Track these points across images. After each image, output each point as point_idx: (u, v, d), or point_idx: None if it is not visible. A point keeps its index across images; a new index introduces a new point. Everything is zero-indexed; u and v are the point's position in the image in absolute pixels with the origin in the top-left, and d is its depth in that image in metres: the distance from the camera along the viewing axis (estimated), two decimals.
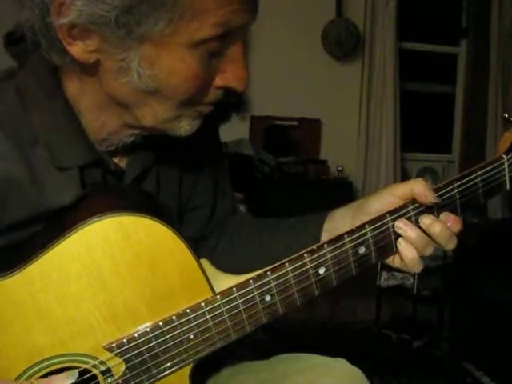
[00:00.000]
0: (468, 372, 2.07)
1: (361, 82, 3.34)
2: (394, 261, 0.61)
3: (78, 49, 0.51)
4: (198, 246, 0.75)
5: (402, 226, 0.58)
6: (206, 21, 0.49)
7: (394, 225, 0.58)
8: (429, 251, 0.59)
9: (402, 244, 0.59)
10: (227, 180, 0.80)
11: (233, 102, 3.16)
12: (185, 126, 0.58)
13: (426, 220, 0.58)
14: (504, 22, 3.45)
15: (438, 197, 0.58)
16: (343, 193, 3.14)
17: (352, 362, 0.66)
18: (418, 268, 0.59)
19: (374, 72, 3.33)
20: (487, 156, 3.48)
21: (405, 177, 3.55)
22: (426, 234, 0.58)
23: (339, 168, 3.17)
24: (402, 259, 0.60)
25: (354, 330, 2.50)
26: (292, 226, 0.72)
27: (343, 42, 3.25)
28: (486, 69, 3.46)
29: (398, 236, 0.59)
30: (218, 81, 0.55)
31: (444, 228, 0.58)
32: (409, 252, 0.58)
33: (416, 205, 0.59)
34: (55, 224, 0.56)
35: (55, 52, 0.53)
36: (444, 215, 0.59)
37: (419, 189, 0.57)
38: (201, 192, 0.74)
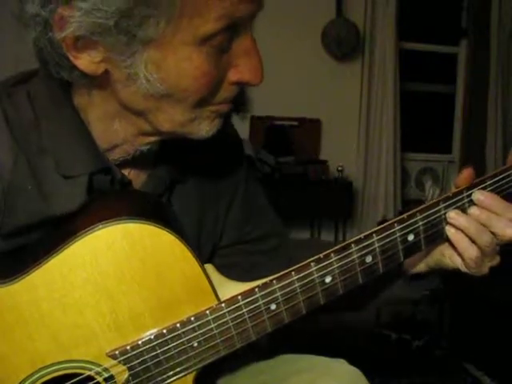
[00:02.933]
0: (468, 372, 2.07)
1: (361, 82, 3.34)
2: (455, 262, 0.61)
3: (84, 61, 0.50)
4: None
5: (454, 215, 0.57)
6: (209, 15, 0.47)
7: (402, 234, 0.57)
8: (485, 240, 0.57)
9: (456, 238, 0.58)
10: (266, 213, 0.76)
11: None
12: (205, 128, 0.56)
13: (474, 210, 0.57)
14: (504, 22, 3.45)
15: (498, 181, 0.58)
16: (343, 193, 3.14)
17: (352, 362, 0.66)
18: (482, 268, 0.59)
19: (374, 72, 3.33)
20: (487, 156, 3.48)
21: (405, 177, 3.55)
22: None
23: (339, 168, 3.16)
24: (463, 259, 0.59)
25: (354, 329, 2.50)
26: None
27: (343, 42, 3.24)
28: (486, 69, 3.46)
29: (409, 245, 0.58)
30: (231, 76, 0.53)
31: (493, 215, 0.57)
32: (469, 250, 0.58)
33: (424, 214, 0.58)
34: (60, 228, 0.55)
35: (63, 69, 0.52)
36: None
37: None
38: (230, 233, 0.72)
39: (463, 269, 0.61)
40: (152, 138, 0.58)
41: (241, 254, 0.74)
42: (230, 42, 0.51)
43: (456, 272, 0.62)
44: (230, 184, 0.72)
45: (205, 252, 0.69)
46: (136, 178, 0.63)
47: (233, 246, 0.73)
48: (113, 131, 0.58)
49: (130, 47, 0.48)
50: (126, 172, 0.62)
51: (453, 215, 0.58)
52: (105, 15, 0.46)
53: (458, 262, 0.61)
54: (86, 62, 0.50)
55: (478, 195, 0.57)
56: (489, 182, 0.58)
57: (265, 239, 0.75)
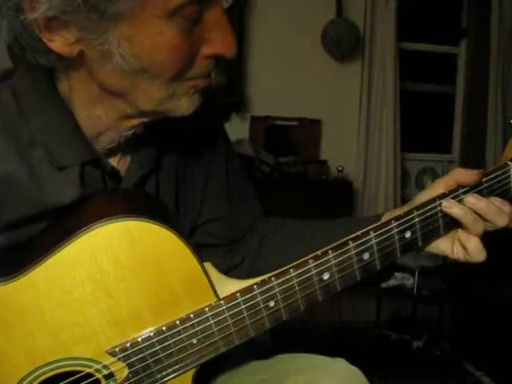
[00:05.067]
0: (468, 372, 2.07)
1: (361, 82, 3.34)
2: (457, 254, 0.61)
3: (58, 44, 0.50)
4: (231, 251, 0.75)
5: (448, 204, 0.58)
6: None
7: (399, 231, 0.58)
8: (480, 228, 0.59)
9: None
10: (245, 184, 0.78)
11: (233, 102, 3.15)
12: (184, 104, 0.56)
13: (471, 199, 0.58)
14: (504, 22, 3.45)
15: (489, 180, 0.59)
16: (343, 193, 3.14)
17: (352, 362, 0.66)
18: (481, 255, 0.59)
19: (374, 72, 3.33)
20: (487, 156, 3.48)
21: (405, 177, 3.55)
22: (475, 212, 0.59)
23: (339, 168, 3.16)
24: (463, 247, 0.60)
25: (354, 329, 2.50)
26: (345, 224, 0.71)
27: (343, 42, 3.24)
28: (486, 69, 3.46)
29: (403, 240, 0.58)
30: (205, 50, 0.54)
31: (490, 203, 0.58)
32: (467, 239, 0.59)
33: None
34: (59, 226, 0.56)
35: (39, 53, 0.53)
36: (491, 197, 0.60)
37: (461, 173, 0.59)
38: (211, 205, 0.73)
39: (454, 256, 0.62)
40: (134, 121, 0.59)
41: (217, 240, 0.75)
42: (201, 15, 0.52)
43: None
44: (209, 161, 0.73)
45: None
46: (122, 164, 0.63)
47: (213, 222, 0.74)
48: (96, 118, 0.58)
49: (101, 24, 0.48)
50: (114, 160, 0.63)
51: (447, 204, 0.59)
52: None
53: (446, 249, 0.62)
54: (60, 44, 0.50)
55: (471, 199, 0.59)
56: (484, 179, 0.59)
57: (238, 227, 0.77)
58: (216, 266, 0.58)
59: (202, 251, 0.71)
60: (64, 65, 0.54)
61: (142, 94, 0.54)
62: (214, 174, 0.73)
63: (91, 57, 0.52)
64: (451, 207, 0.58)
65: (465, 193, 0.59)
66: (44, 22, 0.49)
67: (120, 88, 0.54)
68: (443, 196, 0.59)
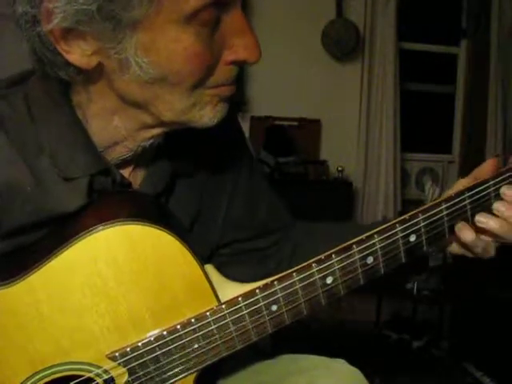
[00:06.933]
0: (468, 372, 2.07)
1: (361, 82, 3.34)
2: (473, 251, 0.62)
3: (76, 55, 0.50)
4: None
5: (482, 219, 0.59)
6: None
7: (404, 235, 0.57)
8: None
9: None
10: (271, 197, 0.77)
11: (233, 102, 3.14)
12: (207, 114, 0.54)
13: (500, 206, 0.59)
14: (504, 22, 3.44)
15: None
16: (343, 193, 3.14)
17: (352, 362, 0.66)
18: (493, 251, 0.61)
19: (374, 72, 3.32)
20: (487, 156, 3.48)
21: (405, 177, 3.55)
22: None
23: (339, 168, 3.16)
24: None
25: (354, 329, 2.50)
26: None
27: (343, 42, 3.24)
28: (486, 69, 3.45)
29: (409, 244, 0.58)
30: (226, 56, 0.52)
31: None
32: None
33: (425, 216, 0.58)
34: (60, 229, 0.55)
35: (58, 67, 0.52)
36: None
37: (479, 170, 0.60)
38: (237, 225, 0.72)
39: (468, 254, 0.63)
40: (154, 131, 0.57)
41: (245, 252, 0.75)
42: (219, 20, 0.50)
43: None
44: (232, 180, 0.71)
45: (205, 249, 0.69)
46: (135, 176, 0.62)
47: (236, 243, 0.73)
48: (113, 128, 0.57)
49: (118, 33, 0.48)
50: (126, 171, 0.62)
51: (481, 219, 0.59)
52: (87, 1, 0.45)
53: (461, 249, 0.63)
54: (78, 55, 0.50)
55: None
56: (492, 182, 0.59)
57: (267, 235, 0.76)
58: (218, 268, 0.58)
59: (234, 263, 0.70)
60: (82, 78, 0.53)
61: (163, 104, 0.52)
62: (238, 193, 0.72)
63: (109, 67, 0.51)
64: (487, 222, 0.59)
65: (470, 197, 0.58)
66: (60, 33, 0.48)
67: (140, 98, 0.53)
68: (448, 200, 0.58)
